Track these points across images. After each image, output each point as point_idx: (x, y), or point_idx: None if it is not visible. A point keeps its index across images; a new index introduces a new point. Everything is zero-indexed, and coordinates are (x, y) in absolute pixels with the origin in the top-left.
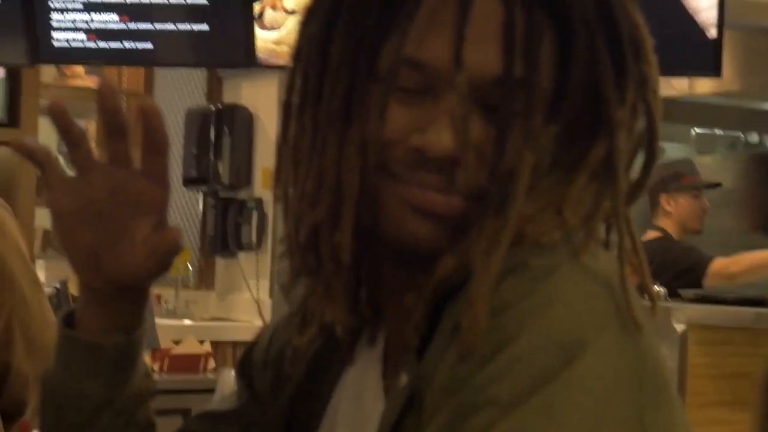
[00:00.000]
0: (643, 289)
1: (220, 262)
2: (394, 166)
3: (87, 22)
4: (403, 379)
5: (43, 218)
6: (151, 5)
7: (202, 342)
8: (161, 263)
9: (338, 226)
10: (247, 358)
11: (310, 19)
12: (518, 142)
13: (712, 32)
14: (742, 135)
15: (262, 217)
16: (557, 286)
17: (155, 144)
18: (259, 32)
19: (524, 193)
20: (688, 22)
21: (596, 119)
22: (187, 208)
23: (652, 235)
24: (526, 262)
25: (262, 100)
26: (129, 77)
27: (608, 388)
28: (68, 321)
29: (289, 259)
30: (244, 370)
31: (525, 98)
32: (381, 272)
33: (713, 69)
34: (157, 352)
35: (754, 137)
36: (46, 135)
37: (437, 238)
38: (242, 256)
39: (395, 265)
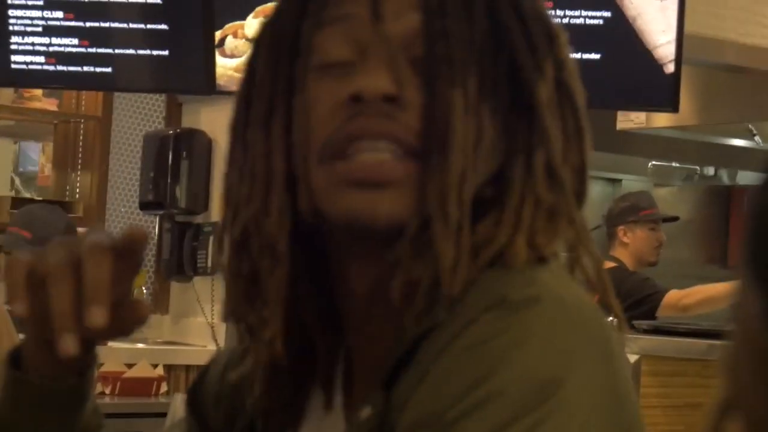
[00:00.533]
0: (607, 308)
1: (175, 286)
2: (328, 147)
3: (46, 45)
4: (366, 411)
5: None
6: (111, 29)
7: (155, 366)
8: (124, 331)
9: (269, 212)
10: (198, 391)
11: (245, 65)
12: (446, 87)
13: (670, 67)
14: (698, 168)
15: None
16: (535, 322)
17: (131, 262)
18: (219, 59)
19: (463, 132)
20: (646, 57)
21: (525, 116)
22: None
23: (607, 265)
24: (505, 297)
25: (220, 125)
26: (87, 101)
27: (585, 423)
28: (15, 361)
29: (224, 271)
30: (194, 407)
31: (446, 46)
32: (343, 278)
33: (671, 104)
34: (108, 375)
35: (710, 170)
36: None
37: (389, 209)
38: (197, 281)
39: (360, 261)
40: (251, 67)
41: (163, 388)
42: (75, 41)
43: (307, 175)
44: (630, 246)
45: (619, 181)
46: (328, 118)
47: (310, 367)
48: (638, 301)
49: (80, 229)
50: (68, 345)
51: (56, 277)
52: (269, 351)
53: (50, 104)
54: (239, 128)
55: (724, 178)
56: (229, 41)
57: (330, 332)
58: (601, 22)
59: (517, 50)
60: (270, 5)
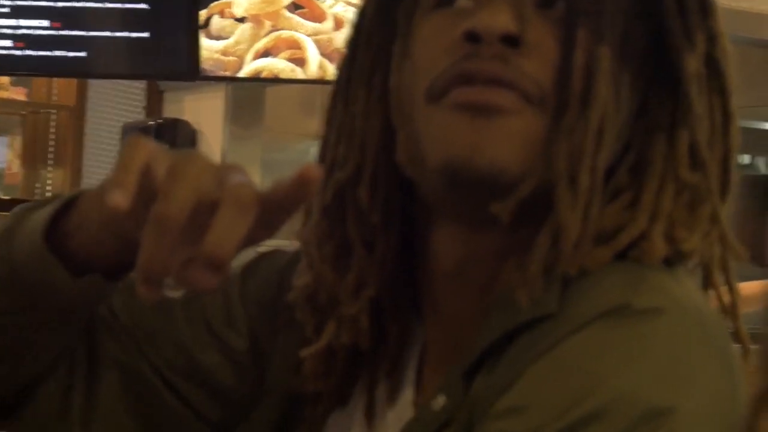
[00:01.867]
0: (735, 334)
1: None
2: (435, 87)
3: (14, 27)
4: (440, 400)
5: None
6: (85, 10)
7: None
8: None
9: (361, 178)
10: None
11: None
12: (590, 38)
13: None
14: None
15: None
16: (655, 337)
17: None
18: (204, 41)
19: (606, 90)
20: None
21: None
22: None
23: None
24: (629, 304)
25: (206, 114)
26: (60, 89)
27: None
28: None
29: (309, 234)
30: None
31: None
32: (429, 253)
33: None
34: None
35: (744, 158)
36: None
37: (496, 147)
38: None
39: (452, 225)
40: (360, 16)
41: None
42: (46, 23)
43: (409, 120)
44: None
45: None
46: (437, 57)
47: (376, 355)
48: None
49: None
50: (144, 289)
51: (171, 220)
52: (352, 328)
53: (18, 93)
54: (342, 82)
55: (761, 167)
56: (215, 21)
57: (404, 318)
58: None
59: (668, 13)
60: None
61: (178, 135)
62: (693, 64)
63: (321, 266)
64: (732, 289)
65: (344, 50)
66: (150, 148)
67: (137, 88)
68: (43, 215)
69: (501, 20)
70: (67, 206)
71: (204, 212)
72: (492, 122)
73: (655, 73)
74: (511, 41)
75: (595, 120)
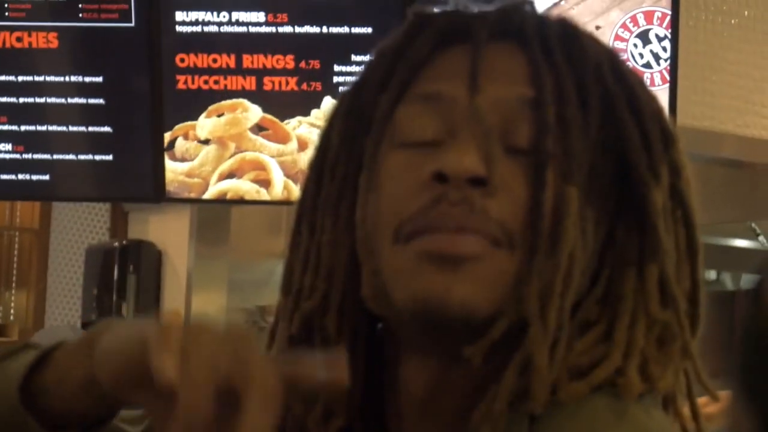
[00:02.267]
0: None
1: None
2: (405, 228)
3: None
4: None
5: None
6: (48, 134)
7: None
8: None
9: (328, 309)
10: None
11: (319, 135)
12: (560, 178)
13: None
14: None
15: None
16: None
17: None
18: (169, 163)
19: (574, 230)
20: None
21: (634, 213)
22: None
23: None
24: None
25: (171, 236)
26: (22, 212)
27: None
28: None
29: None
30: None
31: (559, 129)
32: (398, 378)
33: None
34: None
35: (711, 274)
36: None
37: (465, 293)
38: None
39: (422, 357)
40: (325, 142)
41: None
42: (8, 147)
43: (375, 257)
44: None
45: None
46: (404, 197)
47: None
48: None
49: None
50: None
51: (197, 414)
52: None
53: None
54: (307, 209)
55: (728, 282)
56: (180, 143)
57: None
58: None
59: (632, 148)
60: (226, 103)
61: (142, 256)
62: (659, 197)
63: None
64: (697, 418)
65: (307, 173)
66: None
67: (101, 209)
68: (18, 368)
69: (468, 162)
70: (44, 357)
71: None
72: (460, 269)
73: (620, 206)
74: (479, 182)
75: (564, 260)
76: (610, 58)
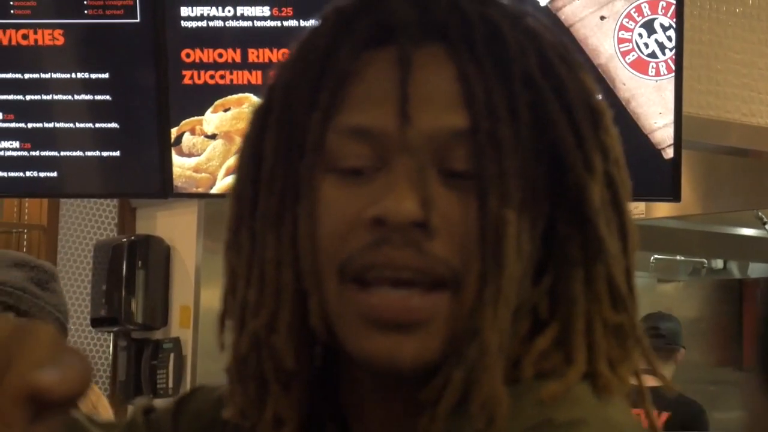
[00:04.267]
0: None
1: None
2: (348, 269)
3: None
4: None
5: None
6: (55, 130)
7: None
8: None
9: (276, 329)
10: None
11: (244, 142)
12: (495, 202)
13: (669, 152)
14: (705, 261)
15: (180, 360)
16: None
17: None
18: (176, 159)
19: (514, 254)
20: (642, 142)
21: (571, 214)
22: (95, 351)
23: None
24: (551, 419)
25: (179, 231)
26: (30, 209)
27: None
28: None
29: (230, 374)
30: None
31: (494, 152)
32: (357, 395)
33: (671, 192)
34: None
35: (718, 263)
36: None
37: (415, 353)
38: (158, 404)
39: (377, 395)
40: (257, 148)
41: None
42: (16, 144)
43: (321, 291)
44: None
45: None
46: (347, 235)
47: None
48: None
49: None
50: None
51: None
52: None
53: None
54: (246, 213)
55: (735, 271)
56: (187, 139)
57: None
58: None
59: (566, 149)
60: (232, 98)
61: (150, 252)
62: (596, 193)
63: (242, 401)
64: (650, 417)
65: (240, 172)
66: None
67: (109, 205)
68: None
69: (408, 207)
70: None
71: None
72: (408, 335)
73: (556, 202)
74: (420, 225)
75: (506, 284)
76: (536, 46)
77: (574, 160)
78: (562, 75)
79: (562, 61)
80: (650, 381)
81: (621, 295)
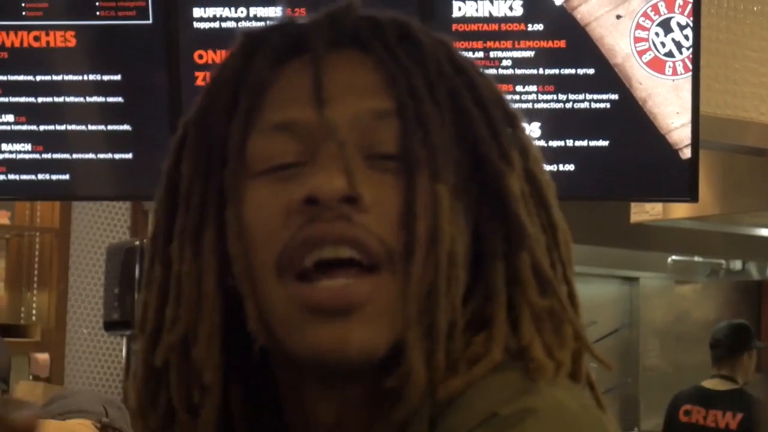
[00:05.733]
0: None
1: None
2: (285, 258)
3: None
4: None
5: None
6: (67, 133)
7: None
8: None
9: (197, 339)
10: None
11: (166, 165)
12: (428, 181)
13: (687, 153)
14: (723, 262)
15: None
16: None
17: None
18: None
19: (450, 227)
20: (660, 142)
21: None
22: (108, 354)
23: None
24: (496, 412)
25: None
26: (43, 212)
27: None
28: None
29: (136, 406)
30: None
31: (421, 130)
32: (297, 404)
33: (689, 193)
34: None
35: (736, 264)
36: None
37: (361, 339)
38: None
39: (323, 390)
40: (173, 174)
41: None
42: (28, 147)
43: (259, 292)
44: (748, 368)
45: (637, 279)
46: (279, 226)
47: None
48: None
49: (39, 355)
50: None
51: None
52: None
53: (1, 217)
54: (160, 244)
55: (753, 272)
56: None
57: None
58: (608, 105)
59: (482, 139)
60: None
61: None
62: (515, 183)
63: (151, 425)
64: (600, 401)
65: (156, 209)
66: None
67: (122, 207)
68: None
69: (338, 183)
70: None
71: None
72: (351, 317)
73: (480, 198)
74: (351, 200)
75: (444, 259)
76: (446, 49)
77: (490, 150)
78: (472, 74)
79: (471, 65)
80: (725, 385)
81: (547, 279)
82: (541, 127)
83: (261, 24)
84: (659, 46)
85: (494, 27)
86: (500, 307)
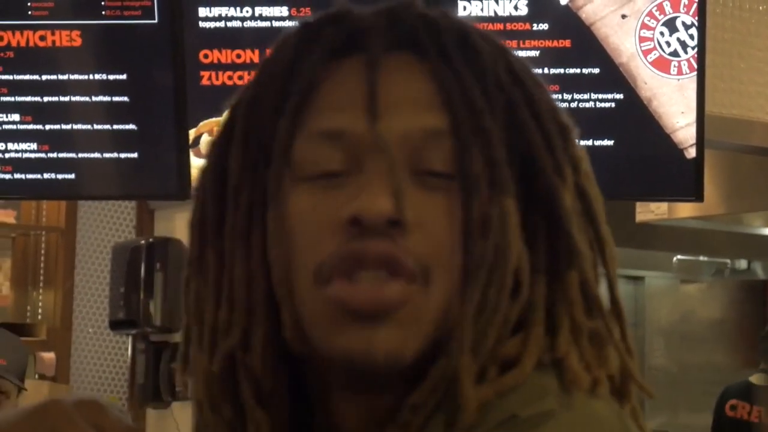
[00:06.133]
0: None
1: (151, 414)
2: (325, 270)
3: (2, 151)
4: None
5: None
6: (73, 132)
7: None
8: None
9: (250, 347)
10: None
11: (211, 149)
12: (487, 194)
13: (692, 152)
14: (728, 261)
15: None
16: None
17: None
18: (194, 160)
19: (517, 243)
20: (665, 141)
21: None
22: (113, 354)
23: None
24: (516, 414)
25: None
26: (48, 211)
27: None
28: None
29: (201, 408)
30: None
31: (481, 145)
32: (330, 412)
33: (694, 192)
34: None
35: (742, 263)
36: None
37: (389, 346)
38: (176, 406)
39: (353, 396)
40: (222, 163)
41: None
42: (33, 146)
43: (296, 299)
44: None
45: (642, 278)
46: (321, 239)
47: None
48: None
49: (45, 354)
50: None
51: None
52: None
53: (7, 216)
54: (211, 234)
55: (759, 271)
56: (205, 140)
57: None
58: (613, 105)
59: (537, 152)
60: None
61: (169, 254)
62: (568, 199)
63: (217, 428)
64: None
65: (203, 194)
66: None
67: (127, 207)
68: None
69: (385, 205)
70: None
71: None
72: (381, 323)
73: (526, 209)
74: (396, 223)
75: (509, 277)
76: (504, 57)
77: (545, 163)
78: (529, 86)
79: (529, 75)
80: None
81: (595, 299)
82: None
83: (266, 24)
84: (664, 46)
85: (499, 26)
86: (538, 323)
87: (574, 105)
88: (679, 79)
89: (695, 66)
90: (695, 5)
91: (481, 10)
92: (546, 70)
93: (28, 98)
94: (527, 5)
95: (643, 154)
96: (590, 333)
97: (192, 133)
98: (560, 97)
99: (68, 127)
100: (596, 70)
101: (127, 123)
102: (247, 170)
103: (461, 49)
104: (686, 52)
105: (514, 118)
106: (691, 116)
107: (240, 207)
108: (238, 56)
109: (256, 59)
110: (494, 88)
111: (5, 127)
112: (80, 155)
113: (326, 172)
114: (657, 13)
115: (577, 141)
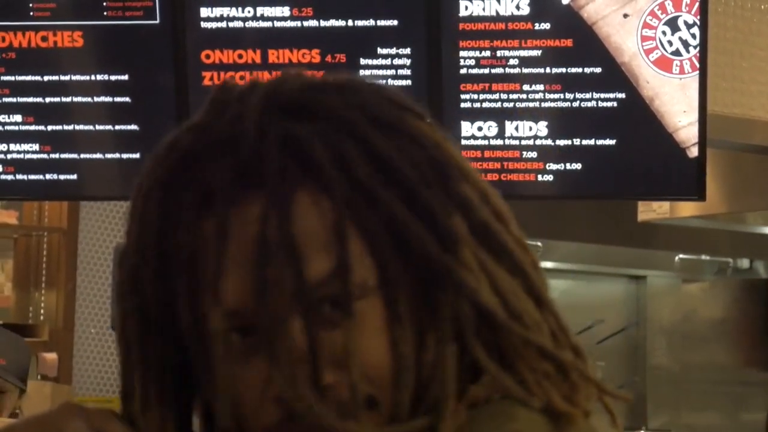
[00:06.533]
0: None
1: None
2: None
3: (4, 152)
4: None
5: None
6: (75, 133)
7: None
8: None
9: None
10: None
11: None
12: (385, 327)
13: (694, 151)
14: (731, 260)
15: None
16: None
17: None
18: None
19: (406, 383)
20: (667, 141)
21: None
22: (116, 354)
23: None
24: None
25: None
26: (50, 211)
27: None
28: None
29: None
30: None
31: (369, 277)
32: None
33: (696, 191)
34: None
35: (744, 262)
36: None
37: None
38: None
39: None
40: (136, 275)
41: None
42: (35, 147)
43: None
44: None
45: (644, 278)
46: (255, 409)
47: None
48: None
49: (47, 355)
50: None
51: None
52: None
53: (9, 217)
54: (133, 337)
55: (761, 270)
56: None
57: None
58: (615, 104)
59: (427, 255)
60: None
61: None
62: (471, 261)
63: None
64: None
65: (123, 287)
66: None
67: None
68: None
69: (303, 388)
70: None
71: None
72: None
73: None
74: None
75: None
76: (360, 146)
77: (438, 261)
78: (389, 156)
79: (389, 132)
80: None
81: (547, 351)
82: (548, 126)
83: (268, 24)
84: (666, 45)
85: (501, 26)
86: (494, 377)
87: (576, 104)
88: (681, 79)
89: (697, 65)
90: (697, 4)
91: (483, 9)
92: (548, 70)
93: (30, 99)
94: (529, 5)
95: (645, 154)
96: (553, 368)
97: None
98: (562, 96)
99: (70, 127)
100: (598, 70)
101: (129, 123)
102: (145, 336)
103: (304, 175)
104: (688, 52)
105: (393, 218)
106: (693, 115)
107: (156, 344)
108: (240, 56)
109: (258, 59)
110: (362, 208)
111: (7, 127)
112: (82, 156)
113: (240, 331)
114: (659, 13)
115: (457, 168)
